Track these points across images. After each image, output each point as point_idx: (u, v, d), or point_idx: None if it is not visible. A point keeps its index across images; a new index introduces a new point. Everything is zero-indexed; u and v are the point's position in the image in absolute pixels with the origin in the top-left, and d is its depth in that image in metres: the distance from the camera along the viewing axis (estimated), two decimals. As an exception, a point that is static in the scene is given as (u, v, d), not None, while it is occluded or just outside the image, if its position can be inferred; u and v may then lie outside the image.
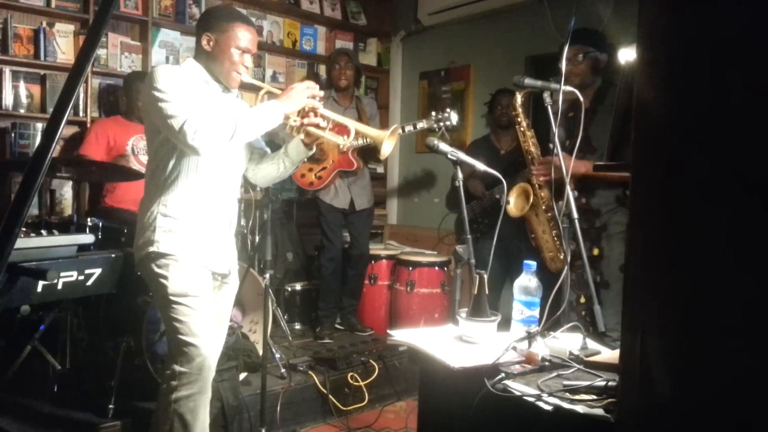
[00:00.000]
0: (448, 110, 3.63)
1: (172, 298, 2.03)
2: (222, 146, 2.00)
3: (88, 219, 2.86)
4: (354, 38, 5.33)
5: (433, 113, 3.63)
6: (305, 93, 2.12)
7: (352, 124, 2.24)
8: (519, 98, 2.68)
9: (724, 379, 0.98)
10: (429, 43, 5.18)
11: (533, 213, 2.77)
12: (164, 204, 2.08)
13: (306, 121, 2.15)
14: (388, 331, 1.93)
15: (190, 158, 2.08)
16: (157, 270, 2.06)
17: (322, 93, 2.18)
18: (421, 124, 3.64)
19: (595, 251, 2.00)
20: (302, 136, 2.23)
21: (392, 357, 3.54)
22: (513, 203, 2.79)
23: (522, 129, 2.75)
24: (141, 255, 2.10)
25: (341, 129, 2.25)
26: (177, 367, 2.03)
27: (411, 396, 3.43)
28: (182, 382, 2.03)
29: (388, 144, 2.22)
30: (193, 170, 2.10)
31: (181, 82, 2.02)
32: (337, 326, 4.18)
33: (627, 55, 1.47)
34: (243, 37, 2.12)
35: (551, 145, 1.96)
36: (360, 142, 3.74)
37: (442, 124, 3.59)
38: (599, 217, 2.62)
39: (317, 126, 2.17)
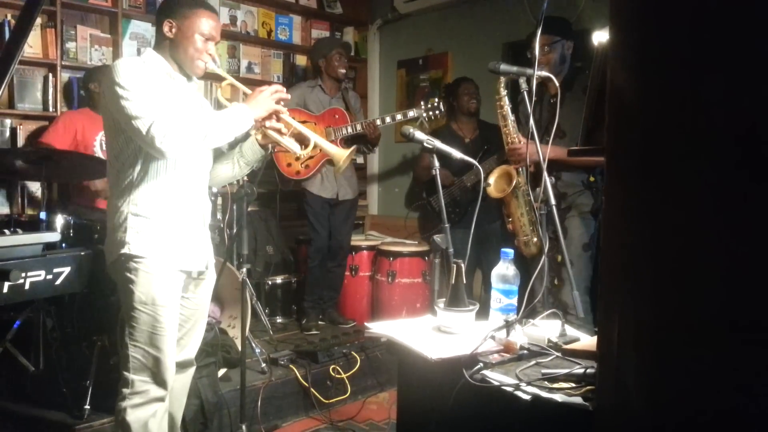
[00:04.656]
0: (436, 100, 3.63)
1: (136, 305, 1.98)
2: (191, 151, 1.99)
3: (60, 216, 2.78)
4: (330, 27, 5.26)
5: (423, 102, 3.63)
6: (273, 97, 2.09)
7: (314, 137, 2.20)
8: (503, 83, 2.63)
9: (697, 373, 0.96)
10: (406, 31, 5.14)
11: (513, 196, 2.74)
12: (134, 203, 2.00)
13: (267, 123, 2.12)
14: (366, 323, 1.91)
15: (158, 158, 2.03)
16: (126, 275, 1.99)
17: (288, 96, 2.13)
18: (412, 113, 3.65)
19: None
20: (259, 136, 2.19)
21: (374, 348, 3.52)
22: (494, 184, 2.76)
23: (503, 113, 2.70)
24: (113, 258, 2.03)
25: (301, 137, 2.20)
26: (130, 375, 1.98)
27: (393, 387, 3.41)
28: (135, 390, 1.98)
29: (344, 162, 2.33)
30: (163, 169, 2.03)
31: (144, 78, 1.95)
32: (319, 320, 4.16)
33: (600, 37, 1.45)
34: (206, 23, 2.08)
35: (530, 128, 1.99)
36: (348, 131, 3.74)
37: (431, 113, 3.59)
38: (565, 199, 2.71)
39: (278, 131, 2.14)
